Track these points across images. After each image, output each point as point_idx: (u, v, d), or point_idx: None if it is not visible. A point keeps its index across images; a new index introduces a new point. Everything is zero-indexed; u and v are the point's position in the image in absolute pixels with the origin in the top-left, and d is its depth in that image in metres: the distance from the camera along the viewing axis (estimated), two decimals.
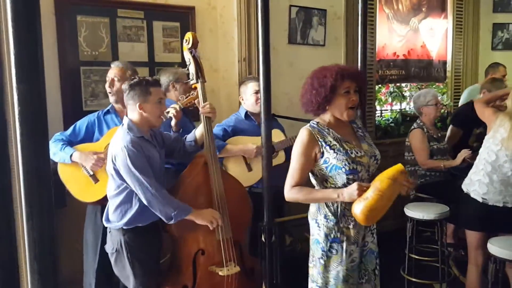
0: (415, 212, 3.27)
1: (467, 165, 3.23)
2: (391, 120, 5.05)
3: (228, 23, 3.73)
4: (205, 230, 2.50)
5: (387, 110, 5.14)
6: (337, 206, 2.05)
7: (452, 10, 5.27)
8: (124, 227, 2.33)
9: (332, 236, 2.07)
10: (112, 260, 2.41)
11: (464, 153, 3.51)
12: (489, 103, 3.00)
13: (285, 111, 3.53)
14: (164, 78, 3.13)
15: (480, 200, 2.75)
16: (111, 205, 2.37)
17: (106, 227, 2.44)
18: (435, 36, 5.24)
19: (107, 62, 3.08)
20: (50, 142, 2.66)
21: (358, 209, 1.90)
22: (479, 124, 3.89)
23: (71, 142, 2.70)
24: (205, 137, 2.60)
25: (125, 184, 2.29)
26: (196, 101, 2.73)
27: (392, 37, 4.92)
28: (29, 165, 0.83)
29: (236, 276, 2.56)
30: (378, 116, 4.95)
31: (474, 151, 3.43)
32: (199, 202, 2.49)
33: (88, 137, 2.75)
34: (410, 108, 5.26)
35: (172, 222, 2.31)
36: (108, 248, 2.42)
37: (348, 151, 2.03)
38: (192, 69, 2.65)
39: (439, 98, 3.91)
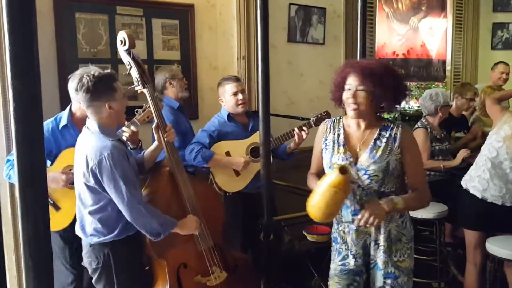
0: (414, 211, 3.27)
1: (466, 165, 3.23)
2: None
3: (227, 21, 3.72)
4: (183, 242, 2.35)
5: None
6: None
7: (452, 9, 5.27)
8: (115, 239, 2.12)
9: (334, 235, 2.13)
10: (94, 276, 2.17)
11: (463, 153, 3.51)
12: (501, 101, 3.01)
13: (284, 110, 3.53)
14: (160, 77, 3.12)
15: (480, 196, 2.75)
16: (94, 219, 2.10)
17: (75, 244, 2.26)
18: (434, 35, 5.24)
19: (106, 59, 3.08)
20: (6, 167, 2.43)
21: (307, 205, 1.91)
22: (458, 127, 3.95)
23: None
24: (165, 148, 2.33)
25: (106, 198, 2.06)
26: (148, 109, 2.37)
27: (392, 36, 4.91)
28: (24, 162, 0.82)
29: (225, 282, 2.47)
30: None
31: (472, 151, 3.44)
32: (174, 214, 2.27)
33: (48, 154, 2.43)
34: (409, 107, 5.26)
35: (160, 238, 2.13)
36: (90, 264, 2.16)
37: (334, 155, 2.01)
38: (134, 73, 2.30)
39: None
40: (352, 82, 1.92)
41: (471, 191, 2.80)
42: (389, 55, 4.91)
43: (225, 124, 3.02)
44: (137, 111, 2.38)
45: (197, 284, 2.41)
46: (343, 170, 1.79)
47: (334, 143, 2.04)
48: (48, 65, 3.04)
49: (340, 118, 2.11)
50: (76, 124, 2.49)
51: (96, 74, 2.04)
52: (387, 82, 1.90)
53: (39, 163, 0.83)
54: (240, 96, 2.96)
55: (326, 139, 2.07)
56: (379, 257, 2.02)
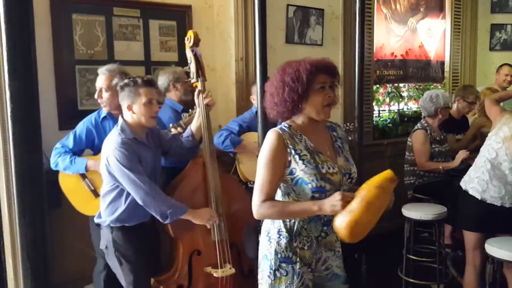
0: (413, 212, 3.27)
1: (465, 166, 3.24)
2: (388, 120, 5.06)
3: (225, 22, 3.72)
4: (201, 231, 2.51)
5: (384, 110, 5.15)
6: (294, 223, 1.81)
7: (450, 11, 5.29)
8: (112, 225, 2.35)
9: (283, 255, 1.82)
10: (105, 256, 2.46)
11: (462, 154, 3.52)
12: (500, 101, 3.03)
13: None
14: (164, 78, 3.12)
15: (479, 197, 2.75)
16: (103, 202, 2.39)
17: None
18: (433, 36, 5.25)
19: (102, 61, 3.07)
20: (54, 155, 2.65)
21: (342, 223, 1.62)
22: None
23: (75, 153, 2.67)
24: (204, 134, 2.60)
25: (116, 183, 2.31)
26: (193, 114, 2.74)
27: (390, 37, 4.92)
28: (21, 163, 0.82)
29: (231, 278, 2.56)
30: (376, 116, 4.96)
31: (472, 152, 3.45)
32: (195, 202, 2.48)
33: (89, 145, 2.72)
34: (408, 109, 5.27)
35: (168, 221, 2.31)
36: (101, 244, 2.45)
37: (319, 165, 1.75)
38: (193, 67, 2.65)
39: None
40: (325, 79, 1.75)
41: (470, 192, 2.80)
42: (388, 56, 4.92)
43: (255, 119, 3.11)
44: (183, 115, 2.80)
45: (206, 274, 2.55)
46: (394, 176, 1.64)
47: (310, 153, 1.77)
48: (44, 66, 3.04)
49: (289, 126, 1.81)
50: (115, 116, 2.69)
51: (128, 78, 2.36)
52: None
53: (36, 164, 0.83)
54: None
55: (294, 149, 1.76)
56: (336, 265, 1.94)
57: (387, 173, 1.65)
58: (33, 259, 0.86)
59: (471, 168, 2.91)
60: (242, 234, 2.70)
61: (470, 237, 2.86)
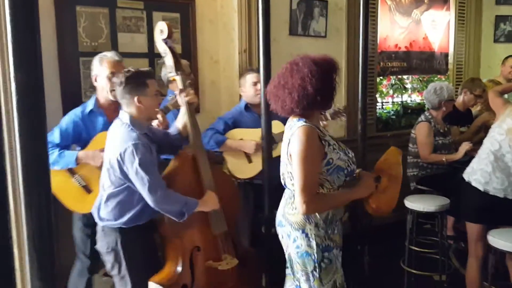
0: (416, 204, 3.28)
1: (469, 158, 3.23)
2: (392, 112, 5.04)
3: (228, 14, 3.71)
4: (199, 226, 2.43)
5: (388, 102, 5.13)
6: (328, 213, 1.94)
7: (454, 2, 5.24)
8: (124, 226, 2.24)
9: (323, 245, 1.93)
10: (106, 259, 2.31)
11: (465, 146, 3.51)
12: (504, 93, 3.03)
13: None
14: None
15: (482, 189, 2.75)
16: (109, 203, 2.24)
17: (94, 226, 2.35)
18: (437, 28, 5.21)
19: None
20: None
21: (381, 202, 1.86)
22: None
23: (62, 148, 2.53)
24: (190, 131, 2.48)
25: (127, 184, 2.19)
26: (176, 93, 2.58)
27: (394, 28, 4.89)
28: (27, 155, 0.83)
29: (235, 268, 2.54)
30: (379, 108, 4.94)
31: (475, 144, 3.44)
32: (194, 197, 2.36)
33: (76, 139, 2.60)
34: (411, 101, 5.25)
35: (184, 218, 2.24)
36: (102, 247, 2.31)
37: (345, 151, 1.96)
38: (169, 61, 2.48)
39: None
40: (336, 78, 1.96)
41: (473, 184, 2.80)
42: (392, 48, 4.90)
43: (242, 114, 3.15)
44: (170, 97, 2.66)
45: (208, 268, 2.47)
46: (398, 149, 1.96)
47: (335, 141, 1.97)
48: (49, 58, 3.04)
49: (306, 121, 1.92)
50: (103, 109, 2.64)
51: (131, 69, 2.22)
52: None
53: (42, 155, 0.84)
54: (259, 86, 3.01)
55: (325, 139, 1.90)
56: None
57: (394, 150, 1.94)
58: (40, 250, 0.87)
59: (474, 160, 2.91)
60: (234, 224, 2.65)
61: (472, 228, 2.87)
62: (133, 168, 2.12)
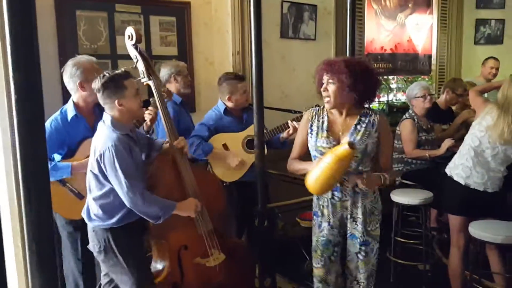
0: (401, 198, 3.29)
1: (451, 154, 3.24)
2: (371, 108, 5.05)
3: (222, 18, 3.70)
4: (184, 225, 2.35)
5: (374, 102, 5.14)
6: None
7: (437, 6, 5.26)
8: (115, 226, 2.16)
9: (315, 208, 2.30)
10: (99, 258, 2.23)
11: (448, 143, 3.53)
12: (483, 93, 3.04)
13: (277, 103, 3.52)
14: (165, 71, 3.11)
15: (463, 183, 2.76)
16: (96, 205, 2.15)
17: (83, 227, 2.27)
18: (420, 31, 5.23)
19: (106, 55, 3.06)
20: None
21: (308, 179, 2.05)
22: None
23: (49, 159, 2.38)
24: (167, 133, 2.40)
25: (111, 186, 2.11)
26: (152, 101, 2.47)
27: (380, 32, 4.90)
28: (26, 151, 0.82)
29: (223, 263, 2.48)
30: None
31: (457, 140, 3.45)
32: (175, 199, 2.29)
33: (59, 145, 2.42)
34: (397, 100, 5.27)
35: (160, 221, 2.17)
36: (93, 247, 2.21)
37: (318, 140, 2.19)
38: (141, 66, 2.38)
39: (429, 90, 3.87)
40: (324, 78, 2.13)
41: (455, 178, 2.81)
42: (377, 50, 4.90)
43: (221, 118, 3.04)
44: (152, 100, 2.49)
45: (196, 265, 2.42)
46: (351, 145, 1.93)
47: (318, 129, 2.21)
48: (50, 61, 3.02)
49: (323, 107, 2.24)
50: (82, 113, 2.47)
51: (106, 74, 2.09)
52: (354, 75, 2.05)
53: (41, 152, 0.82)
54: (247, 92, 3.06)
55: (311, 126, 2.23)
56: (355, 228, 2.24)
57: (346, 148, 1.95)
58: (40, 245, 0.86)
59: (455, 156, 2.92)
60: (221, 219, 2.60)
61: (454, 220, 2.88)
62: (111, 169, 2.05)
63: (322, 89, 2.14)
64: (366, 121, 2.18)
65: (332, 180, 2.01)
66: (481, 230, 2.58)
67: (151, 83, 2.40)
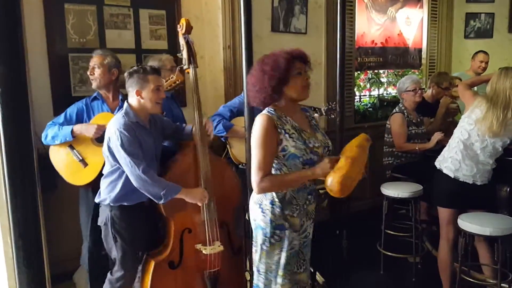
0: (391, 191, 3.31)
1: (440, 147, 3.27)
2: (369, 105, 5.07)
3: (213, 11, 3.67)
4: (192, 210, 2.52)
5: (365, 95, 5.15)
6: (285, 193, 1.95)
7: (427, 0, 5.27)
8: (111, 204, 2.39)
9: (277, 223, 1.95)
10: (102, 232, 2.47)
11: (437, 136, 3.55)
12: (472, 86, 3.06)
13: None
14: (150, 64, 3.09)
15: (452, 176, 2.78)
16: (104, 182, 2.42)
17: (99, 204, 2.48)
18: (411, 25, 5.24)
19: (94, 49, 3.02)
20: (45, 130, 2.70)
21: (334, 180, 1.79)
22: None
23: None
24: (195, 119, 2.56)
25: (118, 165, 2.34)
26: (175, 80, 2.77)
27: (371, 25, 4.90)
28: (11, 145, 0.81)
29: (219, 254, 2.58)
30: (357, 101, 4.96)
31: (446, 134, 3.48)
32: (186, 183, 2.48)
33: (79, 123, 2.75)
34: (387, 94, 5.29)
35: (162, 201, 2.34)
36: (100, 221, 2.47)
37: (307, 141, 1.92)
38: (185, 54, 2.64)
39: (420, 84, 3.88)
40: (301, 66, 1.93)
41: (444, 171, 2.83)
42: (368, 44, 4.91)
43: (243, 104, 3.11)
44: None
45: (196, 251, 2.57)
46: (368, 137, 1.92)
47: (295, 130, 1.93)
48: (38, 55, 2.98)
49: (274, 109, 1.94)
50: (104, 96, 2.85)
51: (137, 66, 2.39)
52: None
53: (26, 146, 0.81)
54: None
55: (283, 129, 1.90)
56: (311, 232, 2.12)
57: (363, 135, 1.92)
58: (26, 241, 0.85)
59: (445, 149, 2.94)
60: (232, 214, 2.73)
61: (444, 213, 2.90)
62: (116, 148, 2.28)
63: (305, 77, 1.94)
64: (311, 116, 2.11)
65: (361, 175, 1.88)
66: (470, 222, 2.61)
67: (190, 70, 2.63)
